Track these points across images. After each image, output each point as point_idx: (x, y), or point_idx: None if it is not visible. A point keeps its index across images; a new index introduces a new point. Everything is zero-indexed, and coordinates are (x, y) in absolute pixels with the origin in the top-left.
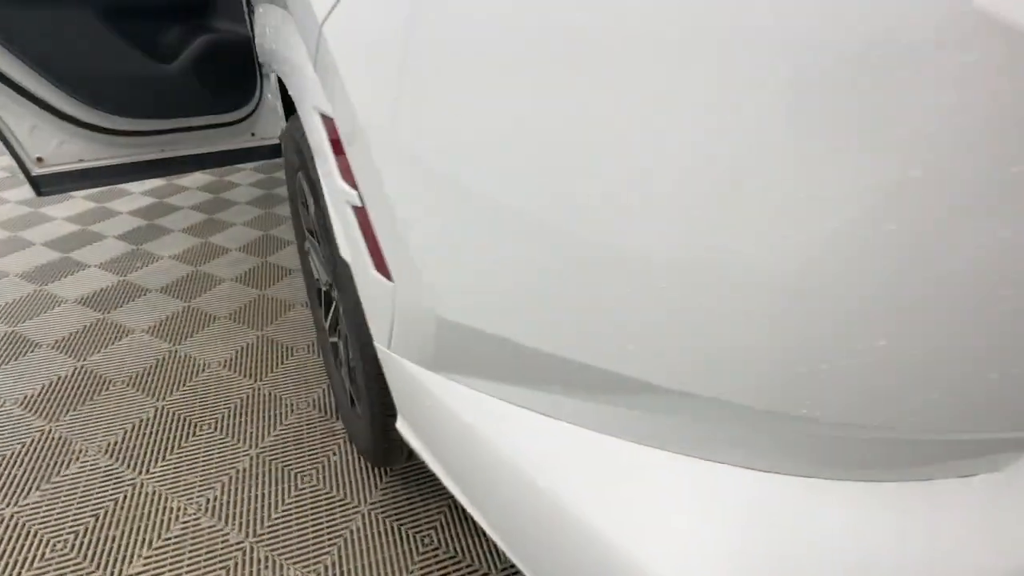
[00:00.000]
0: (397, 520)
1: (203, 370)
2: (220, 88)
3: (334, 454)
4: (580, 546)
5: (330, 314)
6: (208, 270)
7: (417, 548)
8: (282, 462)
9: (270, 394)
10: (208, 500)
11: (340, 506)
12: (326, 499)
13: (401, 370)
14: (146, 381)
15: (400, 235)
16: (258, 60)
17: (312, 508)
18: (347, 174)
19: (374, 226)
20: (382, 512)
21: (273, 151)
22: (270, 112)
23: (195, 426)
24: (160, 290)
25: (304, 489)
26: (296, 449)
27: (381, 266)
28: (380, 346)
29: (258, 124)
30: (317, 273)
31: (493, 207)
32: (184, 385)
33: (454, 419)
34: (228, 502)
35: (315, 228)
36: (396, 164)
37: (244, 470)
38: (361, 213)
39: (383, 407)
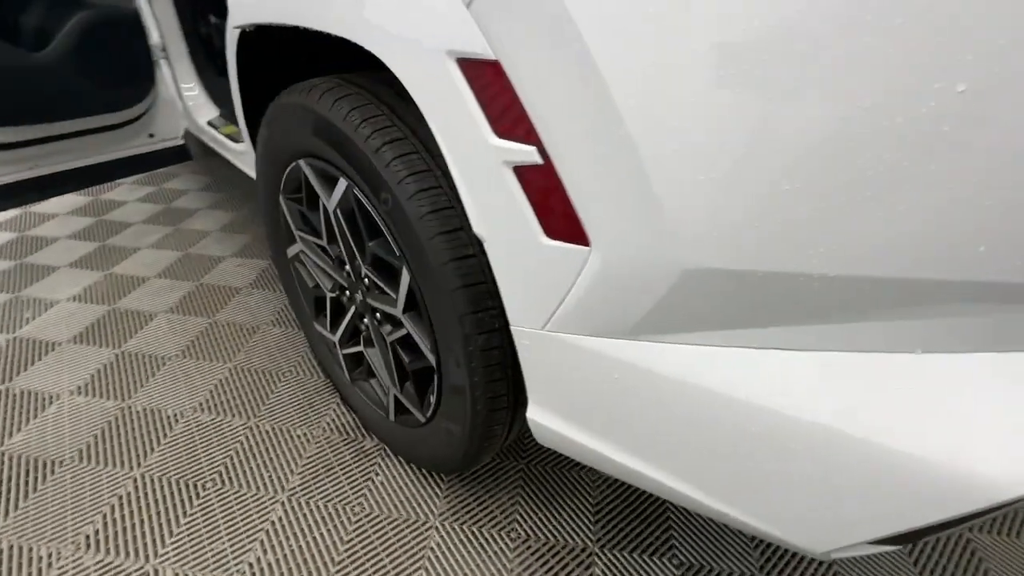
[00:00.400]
0: (475, 524)
1: (176, 421)
2: (106, 80)
3: (377, 474)
4: (873, 475)
5: (344, 322)
6: (129, 305)
7: (507, 545)
8: (321, 499)
9: (272, 430)
10: (251, 566)
11: (409, 528)
12: (390, 525)
13: (563, 348)
14: (104, 452)
15: (631, 183)
16: (151, 41)
17: (379, 538)
18: (515, 128)
19: (565, 182)
20: (457, 520)
21: (178, 154)
22: (168, 106)
23: (195, 487)
24: (73, 340)
25: (360, 521)
26: (331, 482)
27: (566, 230)
28: (525, 328)
29: (156, 123)
30: (316, 280)
31: (798, 118)
32: (158, 445)
33: (660, 382)
34: (276, 562)
35: (334, 225)
36: (641, 96)
37: (279, 521)
38: (535, 172)
39: (493, 400)
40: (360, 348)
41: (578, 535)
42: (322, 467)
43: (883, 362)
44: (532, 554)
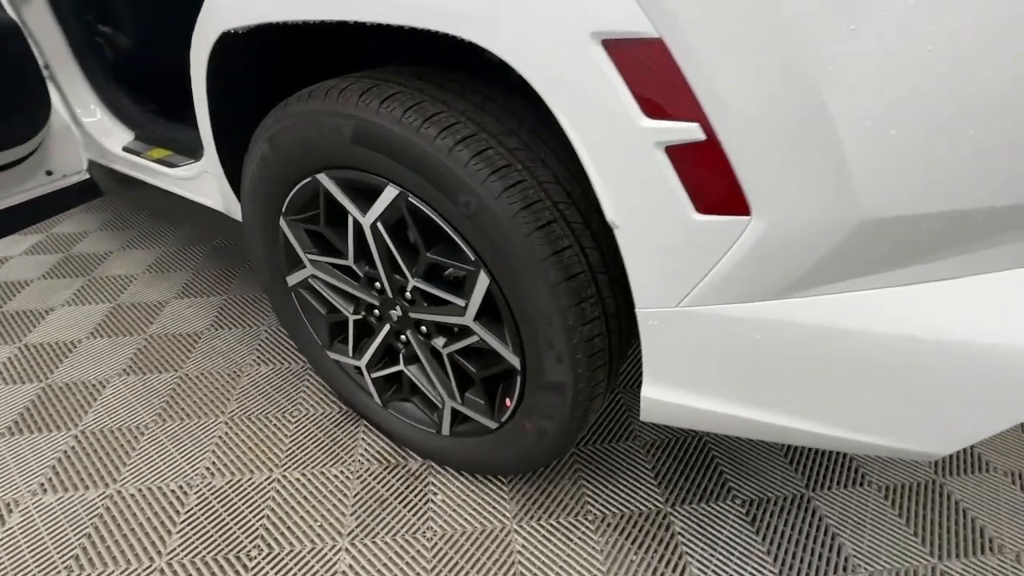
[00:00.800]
0: (551, 517)
1: (185, 495)
2: None
3: (435, 493)
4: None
5: (374, 344)
6: (66, 377)
7: (588, 528)
8: (387, 534)
9: (303, 476)
10: None
11: (488, 538)
12: (468, 540)
13: (698, 321)
14: (106, 553)
15: (817, 148)
16: (44, 59)
17: (462, 556)
18: (674, 107)
19: (731, 155)
20: (532, 518)
21: (85, 192)
22: (64, 136)
23: (240, 560)
24: (10, 432)
25: (437, 544)
26: (389, 514)
27: (724, 203)
28: (655, 309)
29: (52, 157)
30: (333, 304)
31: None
32: (174, 527)
33: (808, 334)
34: None
35: (370, 241)
36: (838, 62)
37: (350, 569)
38: (694, 149)
39: (593, 389)
40: (398, 367)
41: (648, 501)
42: (374, 501)
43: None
44: (614, 530)
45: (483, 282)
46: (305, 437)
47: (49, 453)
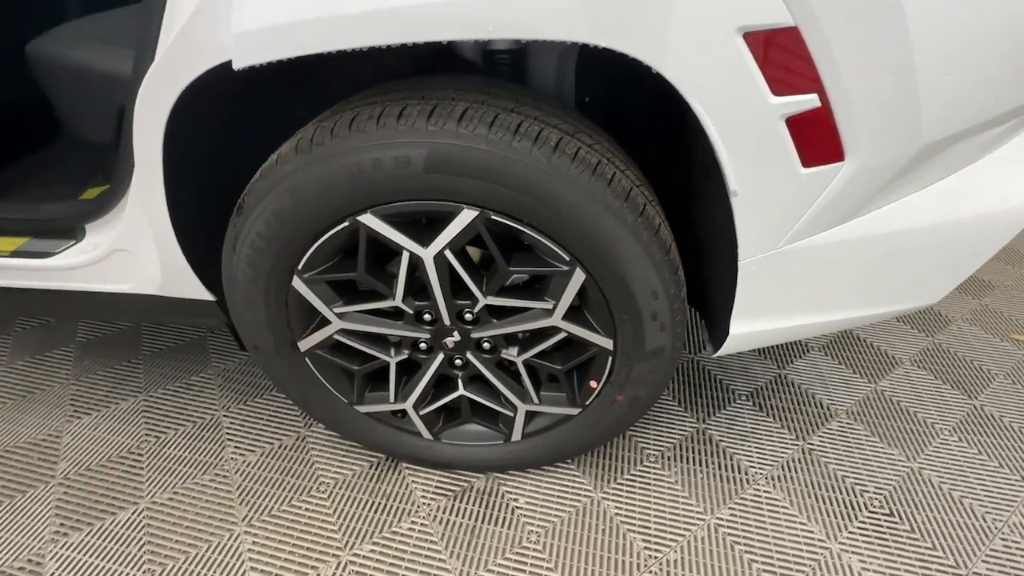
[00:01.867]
0: (623, 474)
1: None
2: None
3: (515, 499)
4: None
5: (423, 379)
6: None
7: (657, 468)
8: (496, 557)
9: (378, 546)
10: None
11: (586, 515)
12: (570, 525)
13: (788, 257)
14: None
15: (902, 98)
16: None
17: (574, 541)
18: (799, 82)
19: (837, 116)
20: (610, 481)
21: None
22: None
23: None
24: None
25: (545, 543)
26: (486, 538)
27: (825, 155)
28: (756, 256)
29: None
30: (369, 353)
31: None
32: None
33: (872, 241)
34: None
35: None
36: (929, 32)
37: None
38: (809, 115)
39: (681, 347)
40: (455, 394)
41: (684, 426)
42: (464, 534)
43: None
44: (675, 459)
45: (578, 279)
46: (350, 505)
47: None
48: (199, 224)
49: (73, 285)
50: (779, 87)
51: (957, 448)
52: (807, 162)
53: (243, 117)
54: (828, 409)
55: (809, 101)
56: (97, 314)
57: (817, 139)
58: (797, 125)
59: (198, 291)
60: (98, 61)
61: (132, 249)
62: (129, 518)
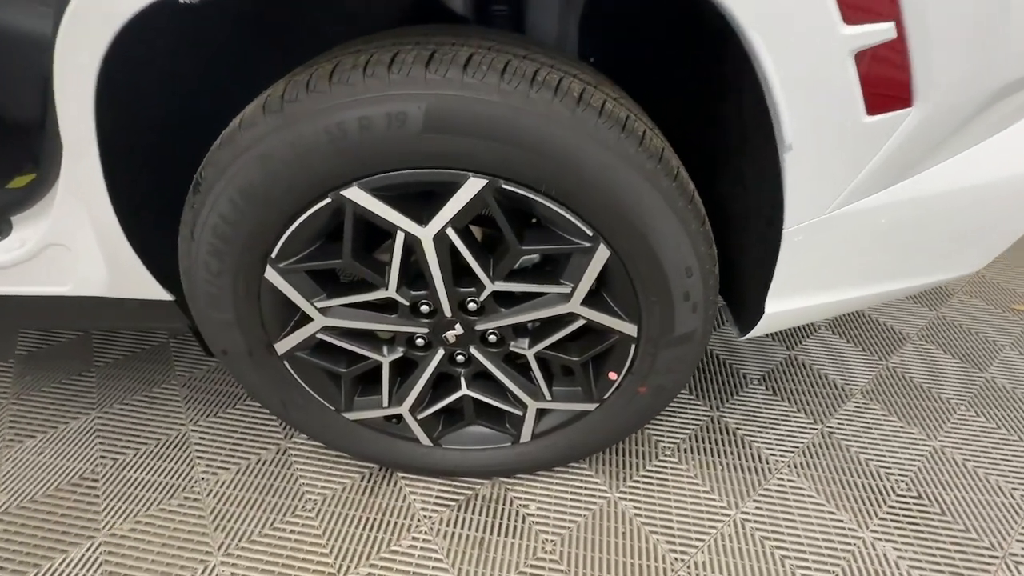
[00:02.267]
0: (639, 471)
1: None
2: None
3: (525, 505)
4: None
5: (421, 379)
6: None
7: (673, 462)
8: (511, 571)
9: (376, 569)
10: None
11: (603, 517)
12: (586, 531)
13: (837, 223)
14: None
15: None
16: None
17: (593, 547)
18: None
19: (912, 49)
20: (625, 480)
21: None
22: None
23: None
24: None
25: (562, 551)
26: (499, 551)
27: (892, 100)
28: (804, 223)
29: None
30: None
31: None
32: None
33: (930, 201)
34: None
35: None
36: None
37: None
38: (882, 50)
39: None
40: (457, 394)
41: (698, 416)
42: (473, 548)
43: None
44: (691, 452)
45: (601, 257)
46: (342, 523)
47: None
48: (149, 208)
49: (1, 289)
50: (853, 13)
51: (976, 423)
52: (872, 108)
53: (196, 73)
54: (842, 389)
55: (884, 31)
56: (36, 322)
57: (887, 80)
58: (868, 62)
59: (152, 290)
60: (19, 20)
61: (69, 244)
62: (84, 555)
